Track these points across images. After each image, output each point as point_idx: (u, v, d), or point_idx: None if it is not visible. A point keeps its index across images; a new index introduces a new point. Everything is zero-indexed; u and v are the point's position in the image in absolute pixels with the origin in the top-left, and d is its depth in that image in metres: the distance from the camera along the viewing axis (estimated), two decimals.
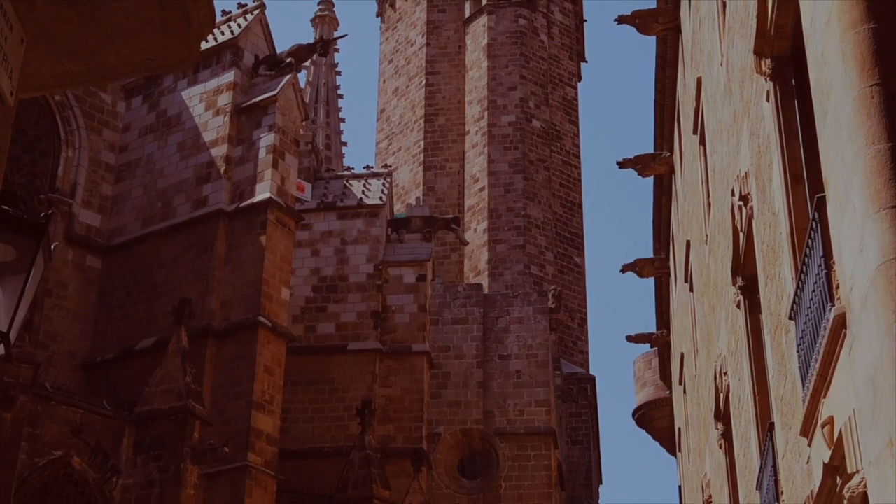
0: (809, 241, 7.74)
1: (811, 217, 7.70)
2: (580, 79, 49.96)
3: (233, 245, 23.56)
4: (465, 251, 42.83)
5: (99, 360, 24.16)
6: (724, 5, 12.73)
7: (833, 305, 7.07)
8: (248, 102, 24.75)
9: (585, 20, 51.76)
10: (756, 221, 10.89)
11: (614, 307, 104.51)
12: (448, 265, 42.58)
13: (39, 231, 4.73)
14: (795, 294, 8.37)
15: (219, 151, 24.42)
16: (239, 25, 25.89)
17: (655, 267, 26.34)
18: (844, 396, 7.03)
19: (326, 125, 56.89)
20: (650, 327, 30.04)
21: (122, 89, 26.51)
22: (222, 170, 24.21)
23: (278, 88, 24.47)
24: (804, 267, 7.98)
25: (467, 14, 47.68)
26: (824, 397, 7.65)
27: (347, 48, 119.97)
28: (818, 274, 7.52)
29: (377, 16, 52.39)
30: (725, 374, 14.39)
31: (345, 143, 57.53)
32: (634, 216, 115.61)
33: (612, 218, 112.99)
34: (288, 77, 24.67)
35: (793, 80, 9.53)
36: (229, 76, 25.09)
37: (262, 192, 23.60)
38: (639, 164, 23.54)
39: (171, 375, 21.04)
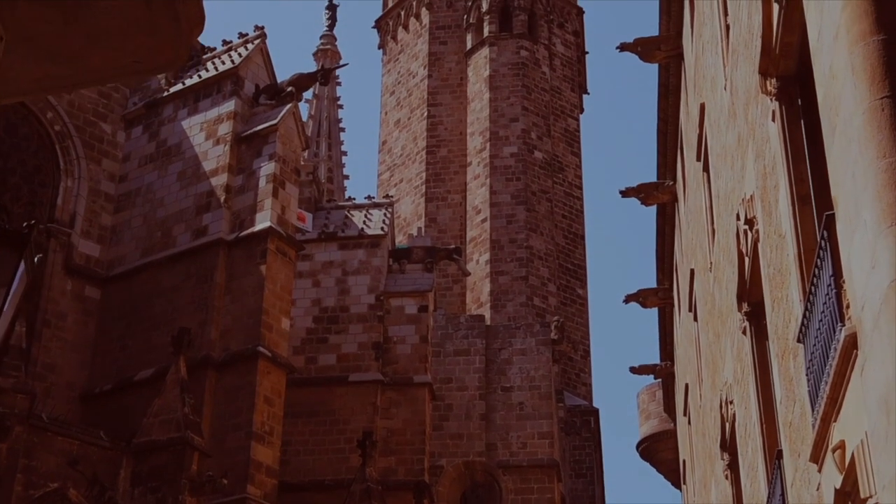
0: (818, 261, 7.58)
1: (820, 236, 7.54)
2: (582, 110, 49.97)
3: (232, 274, 23.38)
4: (467, 283, 42.66)
5: (97, 391, 23.94)
6: (728, 28, 12.63)
7: (843, 325, 6.92)
8: (249, 131, 24.63)
9: (587, 52, 51.84)
10: (762, 245, 10.73)
11: (617, 338, 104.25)
12: (450, 297, 42.38)
13: (23, 242, 4.56)
14: (804, 316, 8.20)
15: (219, 181, 24.28)
16: (239, 55, 25.81)
17: (659, 297, 26.22)
18: (856, 419, 6.85)
19: (328, 158, 56.93)
20: (654, 358, 29.91)
21: (123, 119, 26.46)
22: (222, 199, 24.06)
23: (279, 117, 24.35)
24: (813, 288, 7.83)
25: (469, 46, 47.71)
26: (835, 421, 7.47)
27: (349, 81, 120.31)
28: (828, 294, 7.36)
29: (379, 48, 52.46)
30: (731, 402, 14.20)
31: (347, 177, 57.54)
32: (637, 247, 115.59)
33: (615, 249, 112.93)
34: (289, 106, 24.55)
35: (799, 100, 9.40)
36: (230, 105, 24.98)
37: (263, 222, 23.42)
38: (642, 192, 23.43)
39: (169, 406, 20.80)
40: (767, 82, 9.62)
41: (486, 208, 43.60)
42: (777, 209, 9.65)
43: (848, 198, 6.73)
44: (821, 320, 7.62)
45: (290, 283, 23.78)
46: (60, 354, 23.89)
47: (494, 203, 43.53)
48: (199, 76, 25.99)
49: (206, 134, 24.97)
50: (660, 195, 23.44)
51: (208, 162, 24.62)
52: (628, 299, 25.77)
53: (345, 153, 58.62)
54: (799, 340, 8.53)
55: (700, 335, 19.12)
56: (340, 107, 60.03)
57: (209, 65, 26.20)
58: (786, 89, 9.48)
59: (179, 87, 26.15)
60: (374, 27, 52.73)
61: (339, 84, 60.70)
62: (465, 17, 48.07)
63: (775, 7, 9.06)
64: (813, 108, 9.17)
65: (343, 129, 59.37)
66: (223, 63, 25.85)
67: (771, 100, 9.59)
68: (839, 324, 7.04)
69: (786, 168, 9.24)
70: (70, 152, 25.33)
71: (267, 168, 23.90)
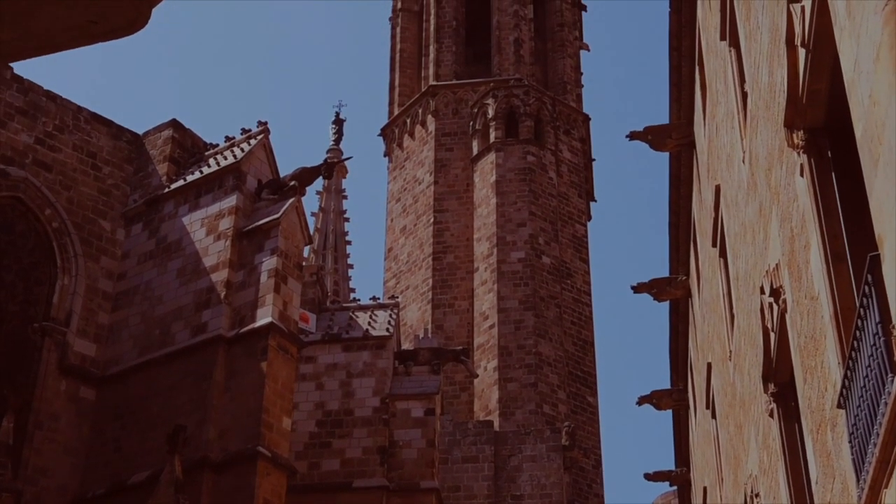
0: (861, 310, 6.94)
1: (864, 280, 6.90)
2: (589, 217, 49.66)
3: (232, 372, 22.65)
4: (475, 390, 41.86)
5: (90, 495, 22.99)
6: (745, 96, 12.23)
7: (895, 376, 6.25)
8: (250, 226, 24.11)
9: (594, 160, 51.77)
10: (790, 314, 10.11)
11: (630, 444, 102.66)
12: (458, 405, 41.51)
13: None
14: (845, 377, 7.55)
15: (219, 276, 23.69)
16: (242, 150, 25.45)
17: (673, 399, 25.66)
18: None
19: (334, 271, 56.57)
20: (669, 464, 29.14)
21: (122, 217, 26.03)
22: (222, 295, 23.44)
23: (281, 211, 23.86)
24: (855, 342, 7.18)
25: (475, 152, 47.63)
26: (886, 487, 6.77)
27: (354, 188, 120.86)
28: (874, 344, 6.71)
29: (385, 156, 52.45)
30: (757, 496, 13.48)
31: (353, 290, 57.07)
32: (648, 351, 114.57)
33: (626, 354, 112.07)
34: (291, 200, 24.07)
35: (829, 152, 8.87)
36: (231, 200, 24.52)
37: (264, 317, 22.75)
38: (654, 288, 23.01)
39: None
40: (794, 135, 9.12)
41: (494, 314, 42.96)
42: (808, 271, 9.06)
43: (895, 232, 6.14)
44: (866, 376, 6.96)
45: (291, 380, 23.02)
46: (52, 457, 23.03)
47: (502, 309, 42.90)
48: (201, 172, 25.61)
49: (206, 229, 24.47)
50: (673, 290, 23.00)
51: (209, 258, 24.07)
52: (641, 401, 25.20)
53: (351, 266, 58.34)
54: (839, 406, 7.85)
55: (719, 431, 18.48)
56: (346, 220, 59.97)
57: (211, 161, 25.85)
58: (814, 141, 8.97)
59: (181, 183, 25.78)
60: (379, 135, 52.79)
61: (345, 198, 60.74)
62: (471, 123, 48.07)
63: (801, 53, 8.58)
64: (843, 161, 8.66)
65: (349, 243, 59.21)
66: (225, 158, 25.49)
67: (798, 153, 9.08)
68: (889, 374, 6.41)
69: (817, 224, 8.67)
70: (67, 249, 24.83)
71: (269, 263, 23.33)
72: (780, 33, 9.21)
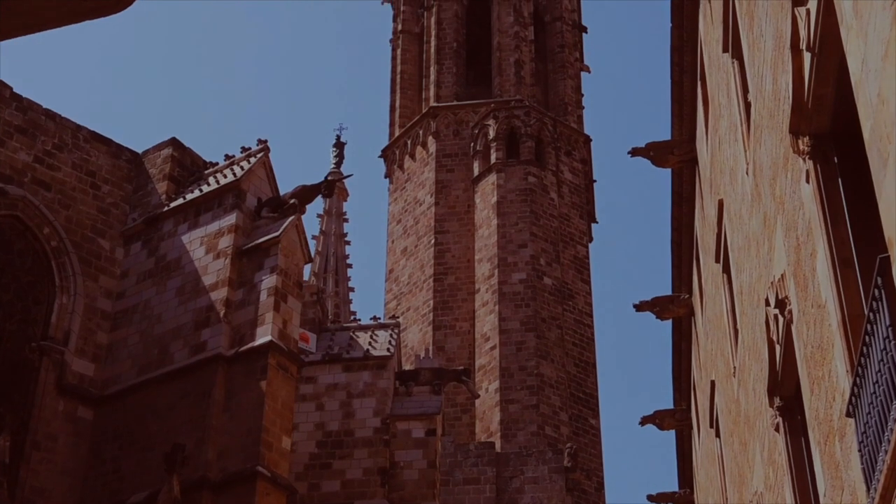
0: (871, 315, 6.80)
1: (873, 284, 6.77)
2: (591, 239, 49.53)
3: (231, 391, 22.45)
4: (476, 412, 41.65)
5: None
6: (748, 107, 12.11)
7: None
8: (250, 244, 23.95)
9: (595, 181, 51.70)
10: (796, 325, 9.97)
11: (633, 465, 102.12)
12: (459, 427, 41.28)
13: None
14: (854, 384, 7.40)
15: (218, 295, 23.53)
16: (241, 168, 25.33)
17: (676, 419, 25.48)
18: None
19: (335, 294, 56.37)
20: (672, 486, 28.91)
21: (122, 235, 25.90)
22: (222, 314, 23.27)
23: (281, 230, 23.72)
24: (864, 348, 7.04)
25: (476, 173, 47.58)
26: None
27: (355, 210, 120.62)
28: (884, 349, 6.57)
29: (385, 177, 52.37)
30: None
31: (354, 312, 56.84)
32: (650, 372, 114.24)
33: (628, 375, 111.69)
34: (291, 218, 23.94)
35: (835, 158, 8.75)
36: (231, 219, 24.38)
37: (263, 336, 22.56)
38: (656, 306, 22.85)
39: None
40: (800, 141, 9.00)
41: (496, 335, 42.79)
42: (815, 279, 8.92)
43: None
44: (876, 382, 6.82)
45: (291, 399, 22.82)
46: (50, 479, 22.78)
47: (504, 330, 42.73)
48: (201, 190, 25.50)
49: (206, 248, 24.33)
50: (675, 309, 22.86)
51: (208, 276, 23.91)
52: (644, 421, 25.02)
53: (352, 289, 58.16)
54: (848, 414, 7.70)
55: (723, 450, 18.33)
56: (347, 243, 59.85)
57: (211, 179, 25.73)
58: (820, 148, 8.85)
59: (180, 201, 25.66)
60: (380, 157, 52.73)
61: (345, 221, 60.61)
62: (472, 144, 48.04)
63: (806, 57, 8.47)
64: (848, 167, 8.54)
65: (350, 266, 59.05)
66: (225, 177, 25.37)
67: (804, 160, 8.96)
68: None
69: (824, 231, 8.54)
70: (66, 269, 24.66)
71: (268, 281, 23.18)
72: (785, 39, 9.10)
